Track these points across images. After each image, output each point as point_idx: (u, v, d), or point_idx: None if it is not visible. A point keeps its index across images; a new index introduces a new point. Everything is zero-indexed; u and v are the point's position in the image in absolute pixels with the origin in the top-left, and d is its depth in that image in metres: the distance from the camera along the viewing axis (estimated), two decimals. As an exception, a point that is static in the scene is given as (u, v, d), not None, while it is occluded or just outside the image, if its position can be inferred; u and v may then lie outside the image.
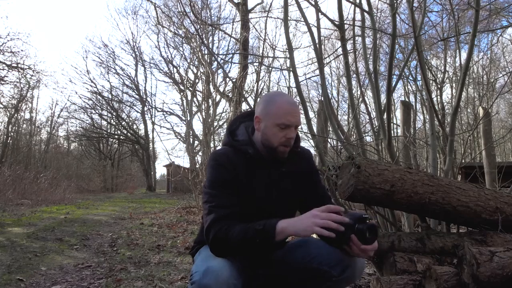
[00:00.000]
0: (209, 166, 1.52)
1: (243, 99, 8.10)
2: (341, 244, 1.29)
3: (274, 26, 31.16)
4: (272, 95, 1.59)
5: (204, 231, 1.40)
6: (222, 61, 12.60)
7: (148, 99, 26.58)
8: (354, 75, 4.01)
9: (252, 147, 1.52)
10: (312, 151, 3.23)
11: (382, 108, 3.12)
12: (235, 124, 1.64)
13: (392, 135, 3.17)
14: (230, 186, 1.44)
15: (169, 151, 23.92)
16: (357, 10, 3.45)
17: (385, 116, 2.97)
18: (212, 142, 8.97)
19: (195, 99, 11.83)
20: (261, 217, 1.50)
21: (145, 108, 26.69)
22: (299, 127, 1.55)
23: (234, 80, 9.24)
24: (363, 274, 2.67)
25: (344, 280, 1.43)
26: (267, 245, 1.32)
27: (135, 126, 28.64)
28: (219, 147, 1.85)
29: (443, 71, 14.88)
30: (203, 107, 9.43)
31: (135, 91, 26.78)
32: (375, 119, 3.48)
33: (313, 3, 3.30)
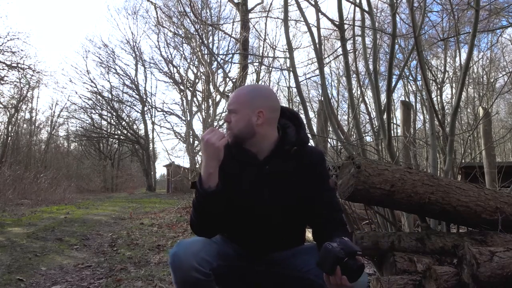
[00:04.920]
0: None
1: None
2: (324, 270, 1.22)
3: (274, 26, 31.16)
4: None
5: None
6: (222, 61, 12.61)
7: (148, 99, 26.63)
8: (354, 75, 4.01)
9: (236, 148, 1.50)
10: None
11: (382, 108, 3.12)
12: None
13: (392, 135, 3.17)
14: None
15: (169, 151, 23.85)
16: (357, 10, 3.45)
17: (385, 116, 2.97)
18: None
19: (195, 99, 11.85)
20: (256, 219, 1.49)
21: (145, 108, 26.73)
22: (231, 112, 1.49)
23: (234, 80, 9.24)
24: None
25: None
26: (206, 196, 1.34)
27: (135, 126, 28.70)
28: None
29: (443, 71, 14.90)
30: (203, 107, 9.44)
31: (135, 91, 26.82)
32: (375, 119, 3.48)
33: (313, 3, 3.30)
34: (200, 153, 9.88)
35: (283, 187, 1.48)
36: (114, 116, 27.53)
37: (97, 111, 27.37)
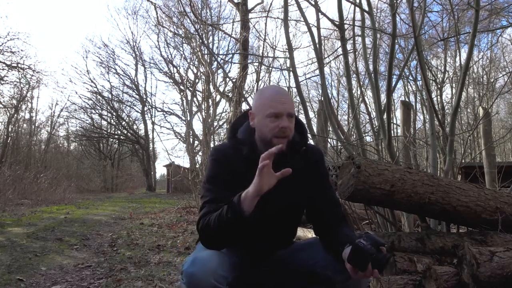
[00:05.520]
0: (208, 160, 1.52)
1: (243, 99, 8.09)
2: (357, 267, 1.26)
3: (274, 26, 31.08)
4: (262, 88, 1.53)
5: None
6: (222, 61, 12.61)
7: (148, 99, 26.63)
8: (354, 75, 4.02)
9: (248, 146, 1.48)
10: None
11: (382, 108, 3.13)
12: (239, 120, 1.60)
13: (392, 135, 3.17)
14: (224, 182, 1.42)
15: (169, 151, 23.87)
16: (357, 10, 3.46)
17: (385, 116, 2.98)
18: (212, 142, 8.96)
19: (195, 99, 11.82)
20: (262, 220, 1.49)
21: (145, 108, 26.72)
22: (293, 116, 1.45)
23: (234, 80, 9.23)
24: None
25: None
26: (239, 219, 1.26)
27: (135, 126, 28.68)
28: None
29: (443, 71, 14.90)
30: (203, 107, 9.41)
31: (135, 91, 26.81)
32: (375, 119, 3.48)
33: (313, 3, 3.30)
34: (200, 153, 9.89)
35: (291, 187, 1.49)
36: (114, 116, 27.53)
37: (97, 111, 27.39)
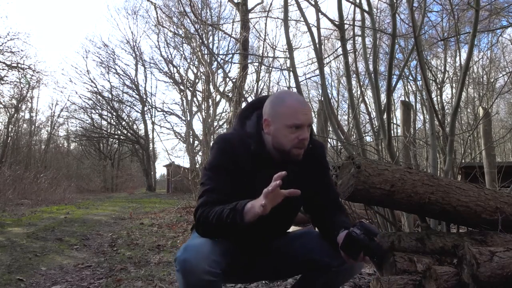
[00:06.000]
0: (213, 148, 1.49)
1: (243, 99, 8.09)
2: (350, 256, 1.29)
3: (274, 26, 31.13)
4: (280, 95, 1.47)
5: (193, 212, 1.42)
6: (222, 61, 12.60)
7: (148, 99, 26.63)
8: (354, 75, 4.01)
9: (257, 143, 1.45)
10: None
11: (382, 108, 3.12)
12: (247, 111, 1.56)
13: (392, 135, 3.17)
14: (228, 174, 1.41)
15: (169, 151, 23.89)
16: (357, 10, 3.46)
17: (385, 116, 2.97)
18: (212, 142, 8.96)
19: (195, 99, 11.82)
20: (263, 217, 1.49)
21: (145, 108, 26.73)
22: (311, 125, 1.46)
23: (234, 80, 9.23)
24: (363, 274, 2.68)
25: (342, 272, 1.43)
26: (237, 225, 1.28)
27: (135, 126, 28.70)
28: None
29: (443, 71, 14.90)
30: (203, 107, 9.42)
31: (135, 91, 26.82)
32: (375, 119, 3.48)
33: (313, 3, 3.30)
34: (200, 153, 9.89)
35: (298, 186, 1.49)
36: (114, 116, 27.53)
37: (97, 111, 27.41)
